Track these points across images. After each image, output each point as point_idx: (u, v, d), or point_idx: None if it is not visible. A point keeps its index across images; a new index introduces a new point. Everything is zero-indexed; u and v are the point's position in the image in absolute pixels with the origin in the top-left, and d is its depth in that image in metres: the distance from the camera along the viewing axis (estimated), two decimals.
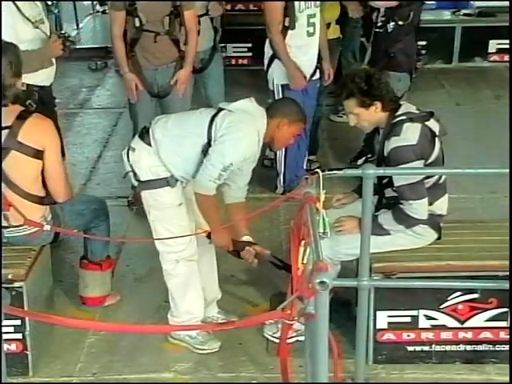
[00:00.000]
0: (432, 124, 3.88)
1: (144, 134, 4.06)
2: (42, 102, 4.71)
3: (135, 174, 4.03)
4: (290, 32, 5.36)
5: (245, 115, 3.96)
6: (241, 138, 3.88)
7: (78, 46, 4.79)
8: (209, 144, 3.90)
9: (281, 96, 5.51)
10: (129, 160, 4.05)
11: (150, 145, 3.99)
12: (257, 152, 4.01)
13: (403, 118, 3.84)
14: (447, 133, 3.97)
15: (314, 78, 5.61)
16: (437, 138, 3.87)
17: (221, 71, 6.06)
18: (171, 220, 4.02)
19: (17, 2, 4.63)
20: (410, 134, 3.78)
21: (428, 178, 3.84)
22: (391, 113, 3.89)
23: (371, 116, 3.89)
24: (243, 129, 3.90)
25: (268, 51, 5.52)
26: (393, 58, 5.48)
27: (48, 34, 4.76)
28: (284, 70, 5.45)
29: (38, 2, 4.84)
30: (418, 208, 3.80)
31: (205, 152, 3.90)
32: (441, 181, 3.95)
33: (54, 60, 4.84)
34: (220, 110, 4.00)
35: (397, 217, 3.84)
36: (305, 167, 5.88)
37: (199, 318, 4.16)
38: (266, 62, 5.57)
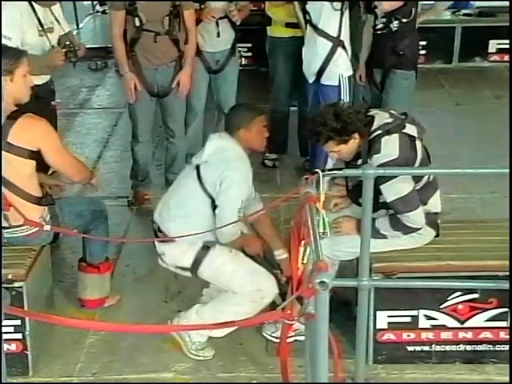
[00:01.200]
0: (409, 129, 3.83)
1: (159, 235, 4.09)
2: (35, 96, 4.71)
3: (180, 267, 4.07)
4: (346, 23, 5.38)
5: (222, 155, 3.99)
6: (238, 177, 3.93)
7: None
8: (213, 200, 3.95)
9: (348, 89, 5.42)
10: (167, 263, 4.10)
11: (173, 241, 4.01)
12: (250, 167, 4.06)
13: (379, 132, 3.79)
14: (426, 130, 3.93)
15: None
16: (417, 141, 3.84)
17: (235, 76, 5.97)
18: (236, 269, 3.96)
19: (34, 5, 4.66)
20: (390, 148, 3.74)
21: (419, 180, 3.84)
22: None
23: (351, 147, 3.86)
24: (234, 167, 3.94)
25: (325, 45, 5.38)
26: (401, 57, 5.42)
27: (54, 43, 4.76)
28: (349, 59, 5.44)
29: (55, 12, 4.86)
30: (415, 219, 3.81)
31: (214, 207, 3.97)
32: (431, 179, 3.94)
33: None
34: (197, 166, 4.00)
35: (394, 224, 3.85)
36: None
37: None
38: (322, 57, 5.40)
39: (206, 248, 4.00)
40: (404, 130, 3.81)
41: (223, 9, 5.64)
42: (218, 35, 5.68)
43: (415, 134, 3.85)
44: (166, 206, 4.12)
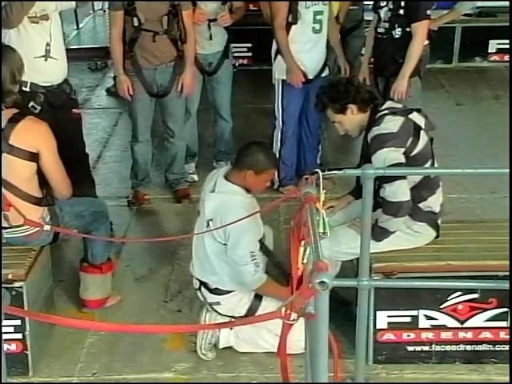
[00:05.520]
0: (416, 117, 3.87)
1: (205, 289, 4.09)
2: (49, 105, 4.69)
3: (232, 316, 4.03)
4: (294, 27, 5.32)
5: (223, 210, 3.87)
6: (244, 227, 3.80)
7: (77, 46, 4.76)
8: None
9: (280, 91, 5.51)
10: (219, 313, 4.07)
11: (230, 291, 4.02)
12: (256, 205, 4.01)
13: (385, 112, 3.86)
14: (435, 127, 3.97)
15: (323, 75, 5.55)
16: (422, 132, 3.86)
17: (229, 79, 5.95)
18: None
19: None
20: (391, 124, 3.79)
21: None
22: (373, 111, 3.91)
23: (351, 120, 3.94)
24: (238, 220, 3.76)
25: (274, 45, 5.48)
26: (402, 65, 5.13)
27: (49, 32, 4.71)
28: (285, 65, 5.41)
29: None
30: (393, 190, 3.72)
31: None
32: (431, 176, 3.94)
33: (63, 55, 4.81)
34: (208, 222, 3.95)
35: (384, 208, 3.81)
36: (318, 162, 5.93)
37: None
38: (272, 55, 5.55)
39: (258, 296, 4.00)
40: (410, 116, 3.85)
41: (215, 11, 5.60)
42: (211, 38, 5.63)
43: (422, 126, 3.87)
44: (199, 262, 4.08)
